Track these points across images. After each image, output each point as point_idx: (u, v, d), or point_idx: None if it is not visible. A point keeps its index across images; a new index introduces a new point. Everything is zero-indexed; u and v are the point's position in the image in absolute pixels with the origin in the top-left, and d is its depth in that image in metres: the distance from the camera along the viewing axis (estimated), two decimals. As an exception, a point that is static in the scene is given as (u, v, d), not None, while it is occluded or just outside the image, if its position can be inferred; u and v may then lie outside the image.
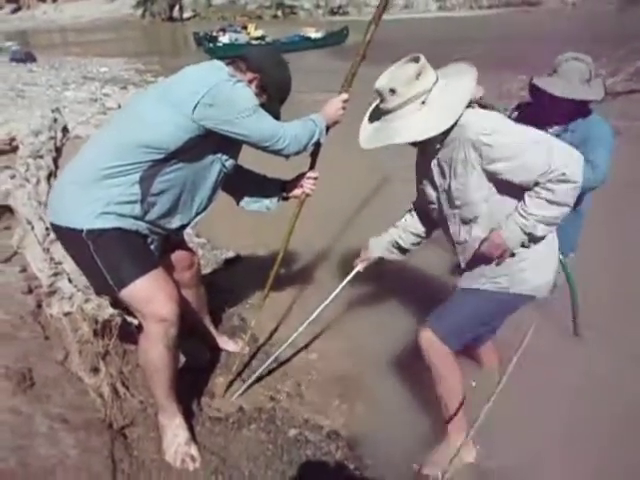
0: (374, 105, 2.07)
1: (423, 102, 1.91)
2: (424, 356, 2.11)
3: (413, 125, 1.91)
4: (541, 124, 2.29)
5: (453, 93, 1.91)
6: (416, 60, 1.92)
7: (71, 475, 1.80)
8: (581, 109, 2.47)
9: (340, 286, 2.45)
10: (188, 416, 2.25)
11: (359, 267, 2.44)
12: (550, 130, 2.44)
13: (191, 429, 2.21)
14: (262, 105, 2.08)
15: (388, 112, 1.96)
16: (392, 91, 1.91)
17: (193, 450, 2.12)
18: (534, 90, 2.53)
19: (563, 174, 1.80)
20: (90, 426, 2.03)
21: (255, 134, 2.04)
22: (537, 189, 1.86)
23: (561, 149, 1.85)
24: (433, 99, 1.91)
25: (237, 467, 2.14)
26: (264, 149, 2.11)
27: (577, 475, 2.13)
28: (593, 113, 2.50)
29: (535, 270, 2.04)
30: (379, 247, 2.39)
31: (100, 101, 10.28)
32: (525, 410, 2.38)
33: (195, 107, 1.90)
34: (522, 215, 1.90)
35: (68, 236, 1.97)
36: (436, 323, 2.09)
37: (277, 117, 2.17)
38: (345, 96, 2.29)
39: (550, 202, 1.85)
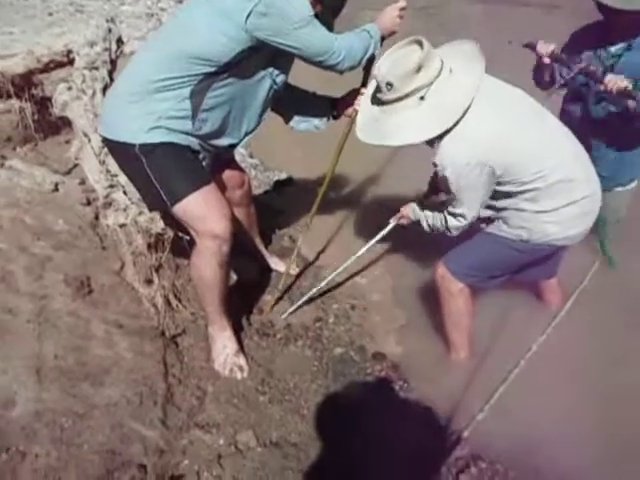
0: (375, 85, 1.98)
1: (422, 97, 1.81)
2: (436, 287, 2.23)
3: (408, 124, 1.83)
4: (607, 42, 2.18)
5: (455, 89, 1.80)
6: (420, 45, 1.78)
7: (125, 375, 1.90)
8: None
9: (379, 235, 2.45)
10: (237, 330, 2.30)
11: (393, 222, 2.40)
12: (612, 49, 2.20)
13: (239, 342, 2.27)
14: (315, 16, 1.95)
15: (385, 103, 1.89)
16: (389, 85, 1.82)
17: (241, 360, 2.19)
18: (600, 7, 2.19)
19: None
20: (144, 332, 2.13)
21: (308, 47, 1.92)
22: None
23: None
24: (432, 95, 1.81)
25: (283, 379, 2.21)
26: (317, 64, 1.99)
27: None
28: None
29: (561, 225, 1.96)
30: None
31: (156, 16, 10.12)
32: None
33: (248, 16, 1.78)
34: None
35: (121, 150, 1.96)
36: (449, 259, 2.18)
37: (330, 30, 2.03)
38: (402, 3, 2.08)
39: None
